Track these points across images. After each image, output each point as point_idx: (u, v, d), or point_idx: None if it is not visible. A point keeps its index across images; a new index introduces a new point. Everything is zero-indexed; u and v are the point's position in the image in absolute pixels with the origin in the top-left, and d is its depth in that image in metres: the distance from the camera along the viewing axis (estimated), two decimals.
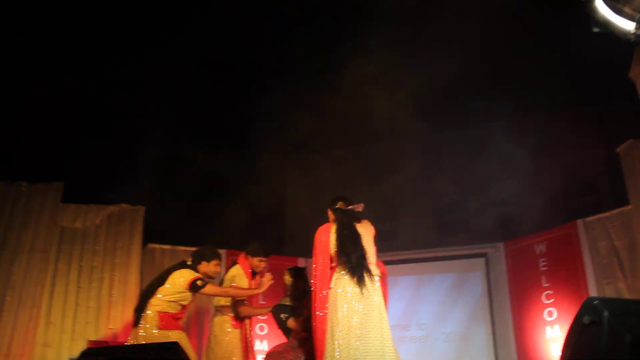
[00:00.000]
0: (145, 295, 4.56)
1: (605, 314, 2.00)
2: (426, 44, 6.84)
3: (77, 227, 6.82)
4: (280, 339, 5.56)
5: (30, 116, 6.97)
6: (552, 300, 6.63)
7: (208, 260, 4.77)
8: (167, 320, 4.47)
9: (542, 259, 6.87)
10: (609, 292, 6.06)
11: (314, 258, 4.26)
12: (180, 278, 4.51)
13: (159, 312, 4.46)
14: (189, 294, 4.50)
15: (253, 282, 5.08)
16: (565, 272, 6.59)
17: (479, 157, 8.14)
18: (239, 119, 8.31)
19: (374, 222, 4.46)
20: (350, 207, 4.37)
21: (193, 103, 8.06)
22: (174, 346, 2.87)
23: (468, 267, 7.66)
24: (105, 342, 6.05)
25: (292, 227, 9.84)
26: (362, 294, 4.00)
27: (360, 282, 4.01)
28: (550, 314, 6.60)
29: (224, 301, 5.04)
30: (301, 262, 7.80)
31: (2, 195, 6.50)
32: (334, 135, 8.46)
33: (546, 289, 6.72)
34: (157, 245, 7.19)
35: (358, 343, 3.87)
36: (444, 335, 7.44)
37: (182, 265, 4.73)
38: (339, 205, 4.37)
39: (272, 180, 9.52)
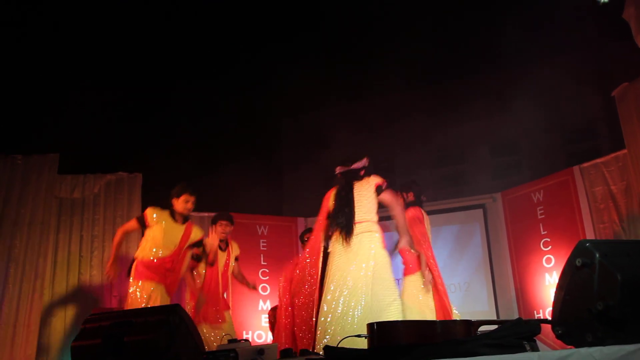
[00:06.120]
0: None
1: (597, 255, 2.02)
2: None
3: (76, 197, 6.82)
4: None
5: (21, 88, 6.90)
6: (550, 247, 6.69)
7: (177, 197, 4.88)
8: (139, 269, 4.69)
9: (540, 207, 6.90)
10: (606, 236, 6.11)
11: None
12: None
13: (136, 260, 4.76)
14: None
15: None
16: (562, 218, 6.63)
17: (474, 108, 8.09)
18: (237, 82, 8.25)
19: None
20: (353, 166, 4.44)
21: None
22: (176, 308, 2.90)
23: (466, 218, 7.70)
24: (110, 308, 6.14)
25: (291, 188, 9.87)
26: (353, 254, 4.11)
27: (349, 242, 4.12)
28: (548, 260, 6.67)
29: None
30: (300, 222, 7.84)
31: None
32: (331, 89, 8.40)
33: (544, 236, 6.77)
34: None
35: (352, 310, 3.95)
36: None
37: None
38: (339, 169, 4.51)
39: (269, 140, 9.51)
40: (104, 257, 6.64)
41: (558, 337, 2.09)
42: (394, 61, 7.34)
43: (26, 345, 5.92)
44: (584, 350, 1.74)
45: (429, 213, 7.96)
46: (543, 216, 6.84)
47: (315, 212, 8.09)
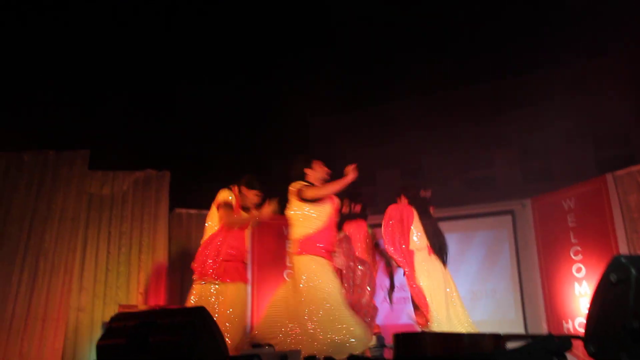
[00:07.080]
0: None
1: (633, 272, 1.95)
2: None
3: (105, 193, 6.89)
4: None
5: (55, 85, 7.03)
6: (580, 256, 6.54)
7: (249, 188, 4.74)
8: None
9: (571, 215, 6.75)
10: (639, 247, 5.95)
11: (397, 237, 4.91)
12: None
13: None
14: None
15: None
16: (594, 227, 6.46)
17: (505, 112, 7.98)
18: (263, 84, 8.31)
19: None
20: (422, 194, 5.07)
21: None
22: (201, 311, 2.90)
23: (495, 224, 7.58)
24: (136, 305, 6.20)
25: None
26: (445, 272, 4.87)
27: (444, 262, 4.88)
28: (579, 270, 6.52)
29: None
30: None
31: (31, 164, 6.57)
32: (359, 93, 8.38)
33: (574, 245, 6.62)
34: (183, 210, 7.25)
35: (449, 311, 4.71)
36: (471, 294, 7.40)
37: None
38: (423, 193, 5.07)
39: (294, 145, 9.52)
40: (131, 254, 6.71)
41: (591, 355, 2.02)
42: (424, 66, 7.29)
43: (54, 339, 6.02)
44: None
45: (455, 218, 7.93)
46: (574, 224, 6.69)
47: None
